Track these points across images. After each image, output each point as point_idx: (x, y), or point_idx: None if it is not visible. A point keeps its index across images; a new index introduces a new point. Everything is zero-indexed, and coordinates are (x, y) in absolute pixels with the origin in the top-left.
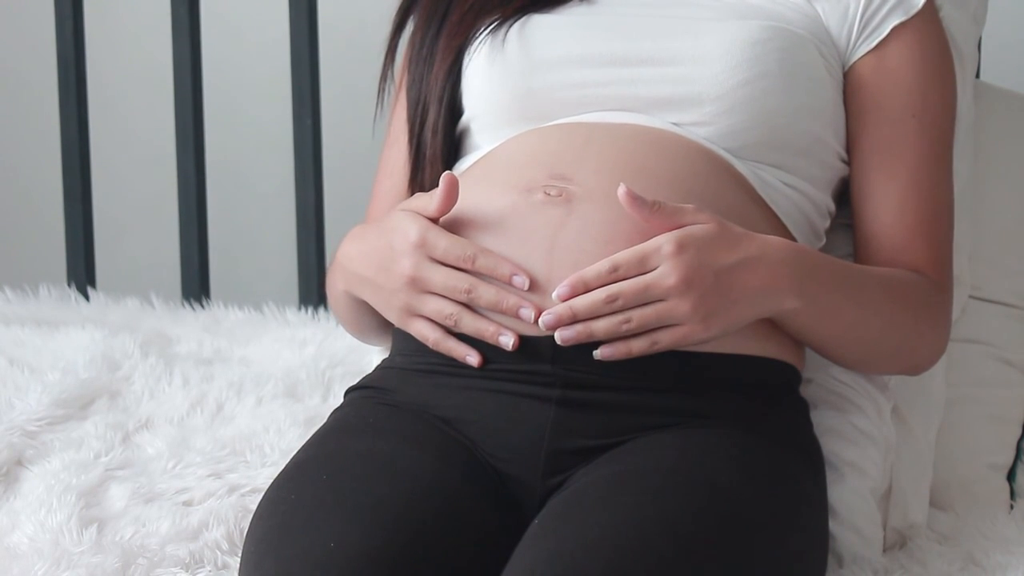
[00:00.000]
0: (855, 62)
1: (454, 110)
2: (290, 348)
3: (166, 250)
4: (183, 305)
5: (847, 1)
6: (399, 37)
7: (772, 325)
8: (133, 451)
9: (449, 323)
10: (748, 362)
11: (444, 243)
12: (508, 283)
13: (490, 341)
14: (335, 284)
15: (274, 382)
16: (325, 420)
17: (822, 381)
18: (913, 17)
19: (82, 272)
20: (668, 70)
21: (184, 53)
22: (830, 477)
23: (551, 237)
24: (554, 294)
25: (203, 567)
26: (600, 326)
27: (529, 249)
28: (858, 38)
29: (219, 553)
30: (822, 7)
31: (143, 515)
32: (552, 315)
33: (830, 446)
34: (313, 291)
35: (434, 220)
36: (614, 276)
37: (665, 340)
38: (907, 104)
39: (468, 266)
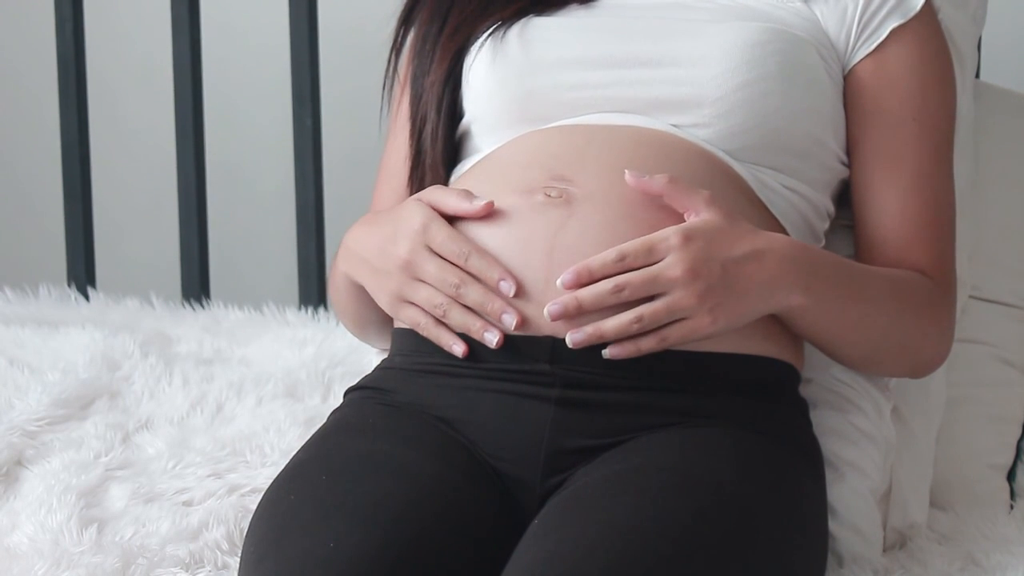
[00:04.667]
0: (854, 65)
1: (453, 115)
2: (290, 348)
3: (166, 250)
4: (183, 305)
5: (845, 4)
6: (405, 32)
7: (771, 324)
8: (133, 451)
9: (438, 313)
10: (748, 361)
11: (443, 236)
12: (495, 288)
13: (475, 337)
14: (337, 266)
15: (274, 382)
16: (325, 420)
17: (822, 381)
18: (911, 19)
19: (82, 272)
20: (667, 72)
21: (184, 53)
22: (830, 477)
23: (551, 238)
24: (558, 281)
25: (203, 567)
26: (610, 326)
27: (529, 250)
28: (857, 41)
29: (219, 553)
30: (820, 10)
31: (143, 515)
32: (558, 305)
33: (830, 446)
34: (313, 291)
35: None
36: (620, 266)
37: (674, 336)
38: (907, 107)
39: (461, 263)
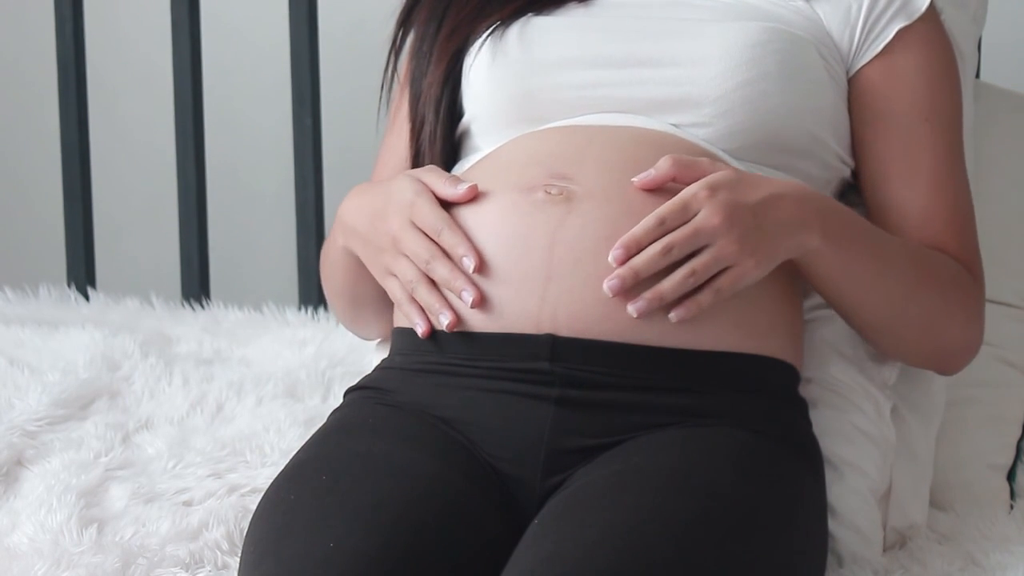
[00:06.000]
0: (862, 67)
1: (452, 116)
2: (290, 348)
3: (166, 250)
4: (183, 305)
5: (848, 4)
6: (404, 34)
7: (771, 323)
8: (133, 451)
9: (408, 289)
10: (747, 361)
11: (425, 210)
12: (458, 263)
13: (430, 317)
14: (334, 240)
15: (274, 382)
16: (325, 420)
17: (822, 381)
18: (916, 21)
19: (82, 272)
20: (667, 72)
21: (184, 54)
22: (830, 477)
23: (551, 234)
24: (610, 257)
25: (203, 567)
26: (668, 286)
27: (530, 247)
28: (863, 42)
29: (219, 553)
30: (823, 10)
31: (143, 515)
32: (616, 279)
33: (830, 446)
34: (313, 291)
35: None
36: (662, 229)
37: (725, 285)
38: (918, 108)
39: (435, 238)
